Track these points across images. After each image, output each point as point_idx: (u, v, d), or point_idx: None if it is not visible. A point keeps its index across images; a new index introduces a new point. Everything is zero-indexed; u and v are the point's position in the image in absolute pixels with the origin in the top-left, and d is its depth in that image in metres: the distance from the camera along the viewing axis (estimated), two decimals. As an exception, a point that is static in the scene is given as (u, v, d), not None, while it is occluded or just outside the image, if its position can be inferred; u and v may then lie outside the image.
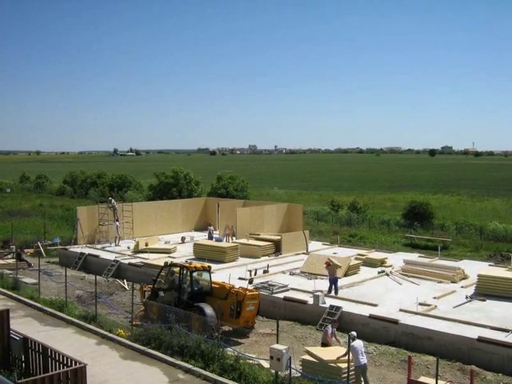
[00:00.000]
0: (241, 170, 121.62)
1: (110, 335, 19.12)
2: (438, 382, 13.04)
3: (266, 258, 30.63)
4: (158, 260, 29.45)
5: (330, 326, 17.24)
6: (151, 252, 31.60)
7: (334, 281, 23.06)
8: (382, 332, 19.33)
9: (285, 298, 22.43)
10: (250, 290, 20.14)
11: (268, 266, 27.39)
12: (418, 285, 24.69)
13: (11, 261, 31.79)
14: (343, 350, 15.34)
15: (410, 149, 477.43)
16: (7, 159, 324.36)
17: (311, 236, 36.66)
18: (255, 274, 26.13)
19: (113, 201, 36.50)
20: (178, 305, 19.65)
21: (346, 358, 14.63)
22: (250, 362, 16.26)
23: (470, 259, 32.18)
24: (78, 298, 24.72)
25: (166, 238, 36.98)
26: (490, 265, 29.99)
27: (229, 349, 16.95)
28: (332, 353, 15.70)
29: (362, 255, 30.39)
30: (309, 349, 16.34)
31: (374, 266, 28.34)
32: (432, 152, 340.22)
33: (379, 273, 27.00)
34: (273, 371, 14.90)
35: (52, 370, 13.51)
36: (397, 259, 29.86)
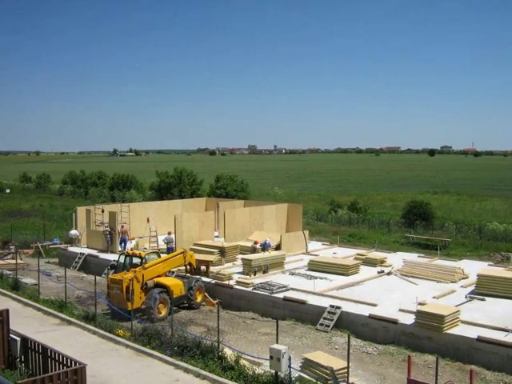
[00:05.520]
0: (240, 170, 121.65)
1: (110, 335, 19.14)
2: (438, 381, 13.06)
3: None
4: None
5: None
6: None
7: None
8: (381, 332, 19.34)
9: (285, 298, 22.45)
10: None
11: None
12: (418, 285, 24.70)
13: (11, 261, 31.81)
14: (343, 362, 15.29)
15: (410, 148, 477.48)
16: (7, 159, 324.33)
17: (311, 236, 36.69)
18: (255, 274, 26.18)
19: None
20: None
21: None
22: (250, 361, 16.28)
23: (469, 259, 32.22)
24: (77, 298, 24.76)
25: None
26: (489, 264, 30.03)
27: (228, 348, 16.97)
28: (331, 360, 15.64)
29: (362, 255, 30.41)
30: (308, 356, 16.06)
31: (373, 265, 28.36)
32: (431, 152, 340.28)
33: (379, 273, 27.02)
34: (273, 371, 14.92)
35: (52, 371, 13.54)
36: (396, 259, 29.89)
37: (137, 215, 37.35)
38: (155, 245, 33.20)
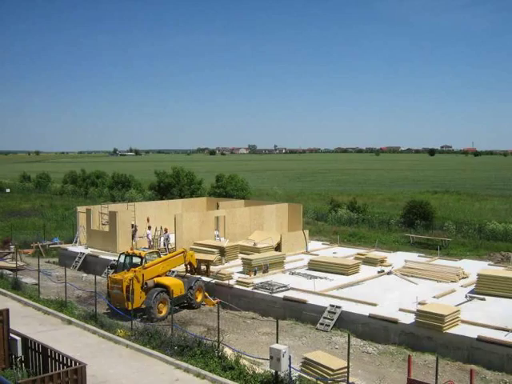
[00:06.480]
0: (240, 170, 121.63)
1: (110, 335, 19.14)
2: (438, 381, 13.06)
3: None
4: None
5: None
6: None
7: None
8: (381, 332, 19.34)
9: (285, 298, 22.45)
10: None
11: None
12: (418, 284, 24.71)
13: (11, 261, 31.80)
14: (343, 362, 15.31)
15: (410, 148, 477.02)
16: (7, 159, 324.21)
17: (311, 235, 36.69)
18: (255, 274, 26.17)
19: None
20: None
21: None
22: (250, 361, 16.27)
23: (469, 259, 32.24)
24: (77, 298, 24.76)
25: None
26: (489, 264, 30.03)
27: (228, 348, 16.97)
28: (331, 360, 15.66)
29: (362, 254, 30.41)
30: (308, 355, 16.14)
31: (373, 265, 28.36)
32: (431, 151, 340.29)
33: (379, 272, 27.02)
34: (273, 371, 14.92)
35: (52, 370, 13.54)
36: (396, 259, 29.89)
37: (136, 214, 37.30)
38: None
